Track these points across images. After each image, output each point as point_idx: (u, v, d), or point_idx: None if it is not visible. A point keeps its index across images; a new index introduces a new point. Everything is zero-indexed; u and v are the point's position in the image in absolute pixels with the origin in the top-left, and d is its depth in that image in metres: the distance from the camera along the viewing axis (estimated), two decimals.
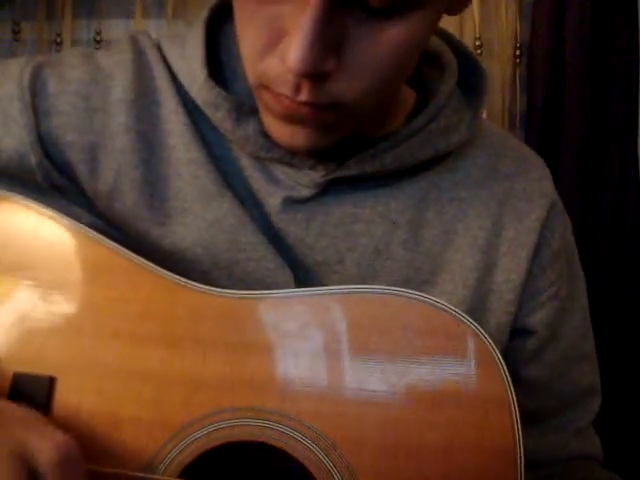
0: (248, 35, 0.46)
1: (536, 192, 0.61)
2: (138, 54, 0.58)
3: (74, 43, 1.42)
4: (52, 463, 0.41)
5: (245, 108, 0.54)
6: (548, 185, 0.62)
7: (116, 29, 1.41)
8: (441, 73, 0.59)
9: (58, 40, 1.41)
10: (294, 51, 0.42)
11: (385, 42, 0.44)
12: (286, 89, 0.45)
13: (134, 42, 0.58)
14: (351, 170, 0.55)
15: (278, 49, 0.45)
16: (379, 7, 0.43)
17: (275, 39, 0.45)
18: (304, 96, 0.45)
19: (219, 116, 0.54)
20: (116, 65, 0.57)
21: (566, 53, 1.26)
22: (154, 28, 1.40)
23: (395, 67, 0.47)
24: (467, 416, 0.47)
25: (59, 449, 0.42)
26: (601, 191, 1.30)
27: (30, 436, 0.42)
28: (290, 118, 0.47)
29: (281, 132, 0.49)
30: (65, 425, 0.48)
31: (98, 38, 1.40)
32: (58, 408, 0.49)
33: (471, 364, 0.48)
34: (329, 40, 0.43)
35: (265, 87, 0.47)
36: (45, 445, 0.42)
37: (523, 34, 1.33)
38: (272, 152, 0.54)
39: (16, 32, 1.41)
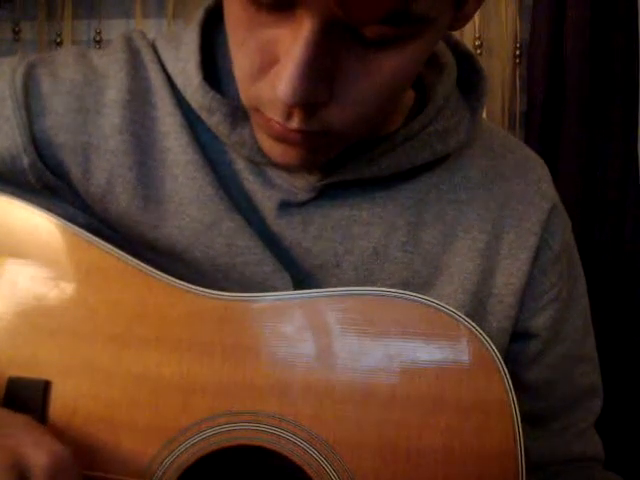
0: (240, 57, 0.46)
1: (536, 194, 0.60)
2: (133, 54, 0.57)
3: (74, 43, 1.41)
4: (46, 473, 0.41)
5: (240, 113, 0.53)
6: (548, 187, 0.62)
7: (116, 29, 1.41)
8: (439, 73, 0.59)
9: (58, 40, 1.41)
10: (285, 82, 0.41)
11: (380, 71, 0.43)
12: (277, 115, 0.45)
13: (129, 42, 0.58)
14: (348, 174, 0.54)
15: (270, 75, 0.44)
16: (374, 39, 0.42)
17: (267, 64, 0.44)
18: (295, 123, 0.45)
19: (214, 120, 0.54)
20: (110, 65, 0.56)
21: (566, 53, 1.26)
22: (154, 28, 1.40)
23: (391, 93, 0.46)
24: (467, 418, 0.47)
25: (53, 458, 0.42)
26: (601, 191, 1.29)
27: (25, 445, 0.42)
28: (282, 139, 0.47)
29: (273, 151, 0.49)
30: (61, 429, 0.48)
31: (98, 38, 1.40)
32: (53, 412, 0.49)
33: (471, 366, 0.47)
34: (321, 70, 0.42)
35: (257, 110, 0.47)
36: (39, 454, 0.42)
37: (523, 34, 1.33)
38: (267, 157, 0.53)
39: (16, 32, 1.41)
